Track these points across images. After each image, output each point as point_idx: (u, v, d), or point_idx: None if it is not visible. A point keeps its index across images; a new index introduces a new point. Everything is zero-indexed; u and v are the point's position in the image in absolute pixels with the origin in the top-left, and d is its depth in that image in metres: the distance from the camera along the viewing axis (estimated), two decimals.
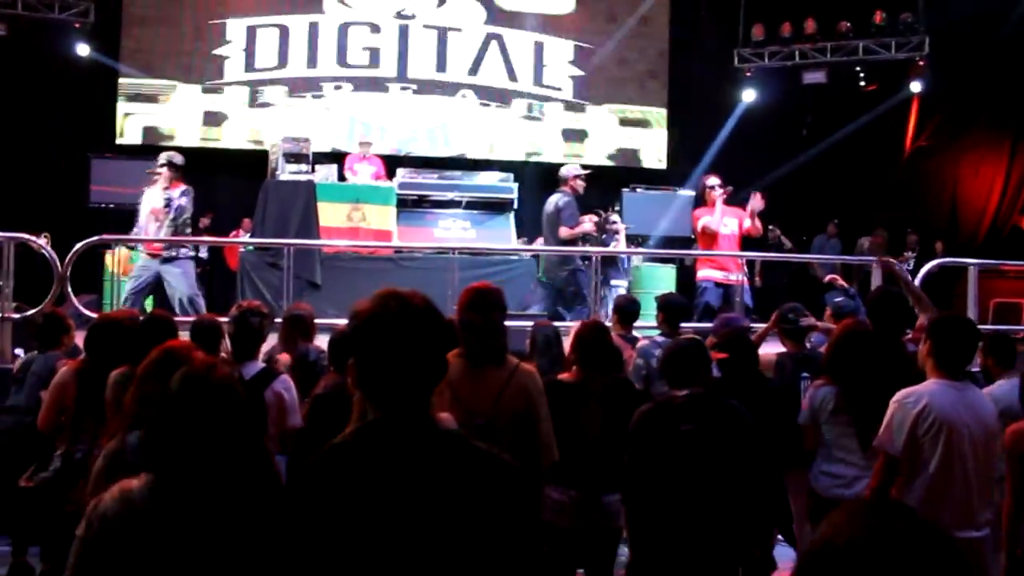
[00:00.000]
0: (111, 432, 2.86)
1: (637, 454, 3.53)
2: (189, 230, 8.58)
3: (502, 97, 14.21)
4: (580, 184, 9.08)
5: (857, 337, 4.16)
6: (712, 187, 8.42)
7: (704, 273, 8.47)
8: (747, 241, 8.88)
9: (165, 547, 1.91)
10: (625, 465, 3.56)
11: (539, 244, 10.12)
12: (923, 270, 8.26)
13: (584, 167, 9.51)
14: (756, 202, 8.30)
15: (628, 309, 5.76)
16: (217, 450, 1.95)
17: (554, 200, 8.99)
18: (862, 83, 13.90)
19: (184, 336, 3.85)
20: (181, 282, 8.17)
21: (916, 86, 13.48)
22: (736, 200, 8.74)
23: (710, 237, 8.39)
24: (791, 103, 14.27)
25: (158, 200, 8.28)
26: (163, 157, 8.60)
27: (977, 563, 3.47)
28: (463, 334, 3.42)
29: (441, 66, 14.04)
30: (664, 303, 5.62)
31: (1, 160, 12.07)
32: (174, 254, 8.25)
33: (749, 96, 14.21)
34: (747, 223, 8.41)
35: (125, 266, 9.28)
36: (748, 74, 14.20)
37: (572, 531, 3.91)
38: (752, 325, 6.22)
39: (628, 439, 3.56)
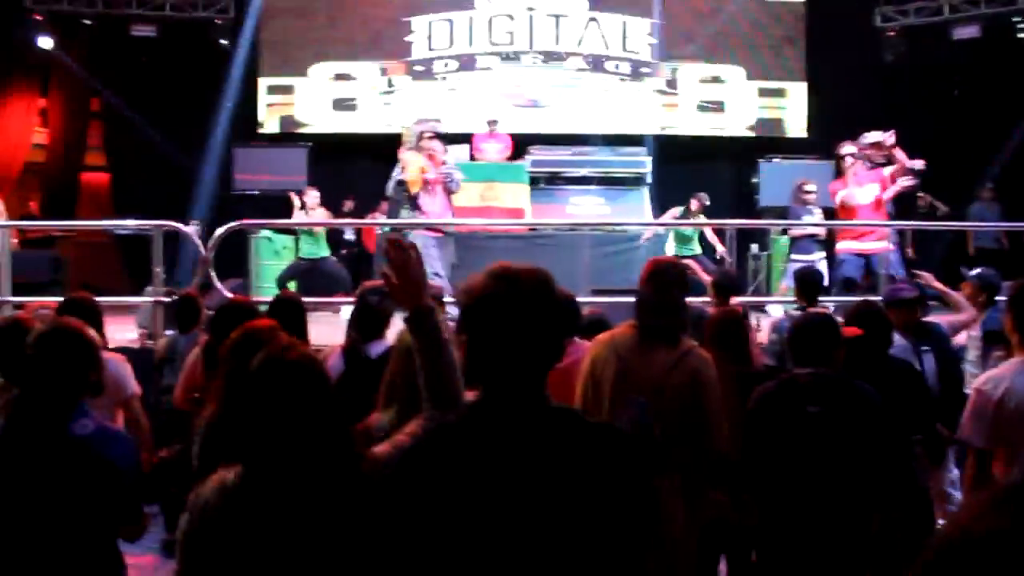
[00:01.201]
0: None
1: (757, 435, 3.33)
2: None
3: (635, 70, 13.98)
4: (872, 152, 8.56)
5: None
6: (845, 156, 7.98)
7: (843, 245, 8.09)
8: (899, 210, 8.43)
9: (260, 534, 1.90)
10: (741, 445, 3.36)
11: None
12: None
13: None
14: (909, 163, 7.80)
15: (724, 284, 5.51)
16: (300, 431, 1.92)
17: None
18: (1021, 35, 12.95)
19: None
20: (448, 261, 8.26)
21: None
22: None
23: (849, 211, 8.00)
24: (940, 62, 13.47)
25: (430, 171, 8.23)
26: (428, 128, 8.64)
27: None
28: (637, 308, 3.35)
29: (572, 43, 13.91)
30: (799, 276, 5.41)
31: (154, 155, 12.71)
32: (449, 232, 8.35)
33: (893, 58, 13.47)
34: (886, 172, 7.93)
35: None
36: (891, 33, 13.47)
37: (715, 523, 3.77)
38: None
39: (747, 419, 3.36)
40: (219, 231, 7.24)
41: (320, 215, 10.13)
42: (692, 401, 3.21)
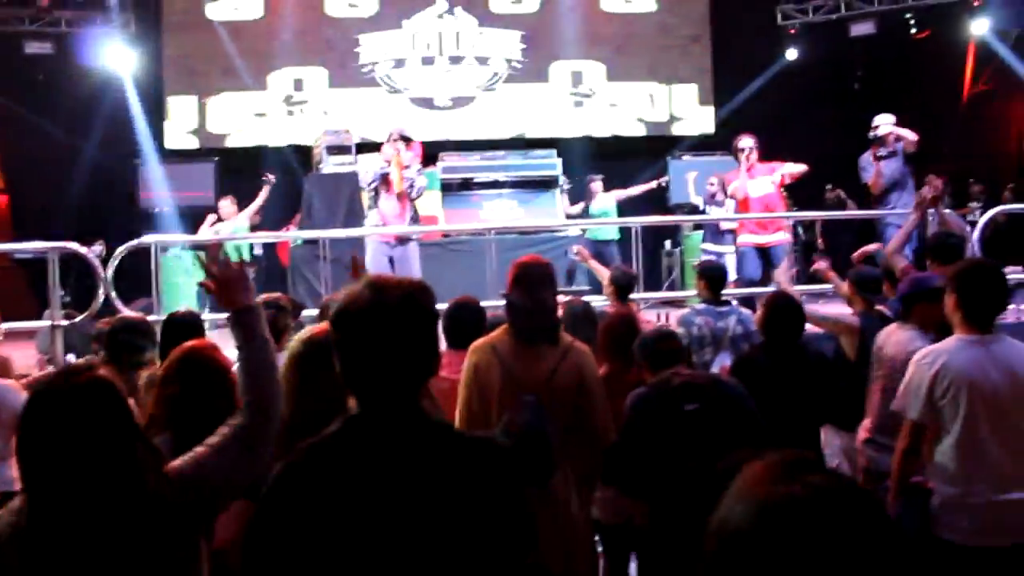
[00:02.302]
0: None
1: (636, 437, 3.33)
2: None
3: (540, 72, 14.08)
4: (890, 137, 8.49)
5: None
6: (741, 149, 8.17)
7: (743, 239, 8.24)
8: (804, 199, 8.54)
9: (46, 567, 1.84)
10: (616, 448, 3.36)
11: None
12: (983, 218, 7.95)
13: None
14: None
15: (621, 283, 5.54)
16: (79, 457, 1.85)
17: None
18: (913, 31, 13.40)
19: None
20: (412, 266, 8.06)
21: (979, 26, 12.75)
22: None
23: (742, 203, 8.21)
24: (840, 58, 13.85)
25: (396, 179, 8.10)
26: (395, 133, 8.34)
27: None
28: (508, 312, 3.32)
29: (474, 46, 13.96)
30: (702, 271, 5.49)
31: (54, 173, 12.35)
32: (409, 237, 8.16)
33: (795, 54, 13.81)
34: (777, 177, 8.12)
35: None
36: (793, 31, 13.82)
37: (619, 527, 3.78)
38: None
39: (624, 423, 3.36)
40: (119, 250, 7.06)
41: (241, 220, 10.04)
42: (578, 397, 3.24)
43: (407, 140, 8.30)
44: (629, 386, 3.73)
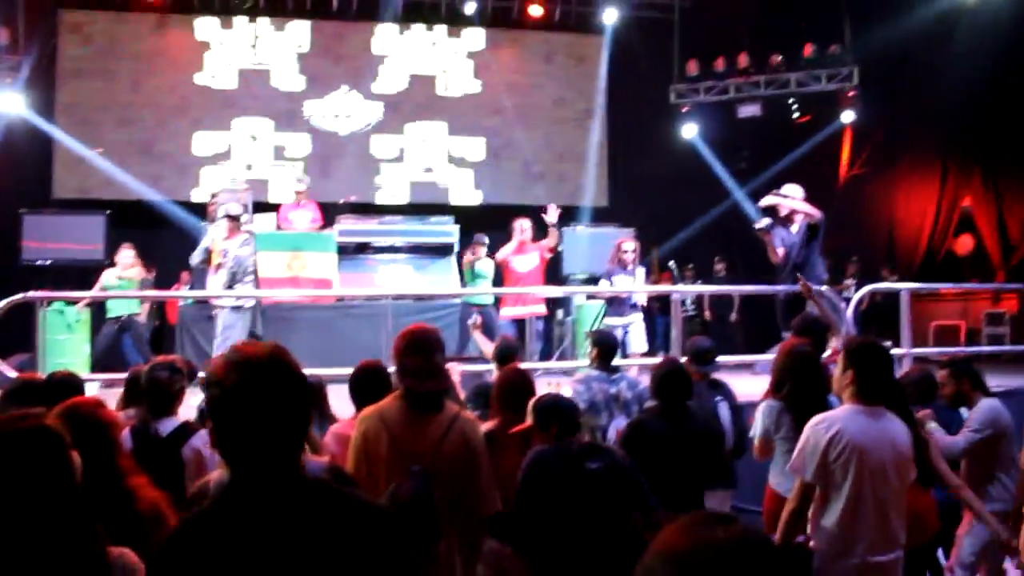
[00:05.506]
0: None
1: (535, 493, 3.47)
2: (250, 279, 8.60)
3: (438, 140, 14.31)
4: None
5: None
6: (517, 229, 9.36)
7: (505, 312, 9.19)
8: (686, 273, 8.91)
9: None
10: (516, 506, 3.49)
11: None
12: (855, 297, 8.40)
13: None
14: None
15: (504, 353, 5.67)
16: (18, 510, 1.84)
17: None
18: (796, 115, 14.18)
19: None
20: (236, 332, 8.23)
21: (848, 116, 13.74)
22: None
23: (511, 276, 9.26)
24: (728, 137, 14.52)
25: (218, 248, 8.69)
26: (222, 210, 8.96)
27: None
28: (402, 378, 3.38)
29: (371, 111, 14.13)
30: (596, 340, 5.69)
31: None
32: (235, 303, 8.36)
33: (687, 132, 14.42)
34: (546, 251, 9.34)
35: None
36: (684, 110, 14.43)
37: None
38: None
39: (523, 479, 3.49)
40: (0, 304, 6.83)
41: (136, 272, 9.99)
42: (465, 465, 3.32)
43: (233, 219, 8.73)
44: (516, 438, 3.87)
